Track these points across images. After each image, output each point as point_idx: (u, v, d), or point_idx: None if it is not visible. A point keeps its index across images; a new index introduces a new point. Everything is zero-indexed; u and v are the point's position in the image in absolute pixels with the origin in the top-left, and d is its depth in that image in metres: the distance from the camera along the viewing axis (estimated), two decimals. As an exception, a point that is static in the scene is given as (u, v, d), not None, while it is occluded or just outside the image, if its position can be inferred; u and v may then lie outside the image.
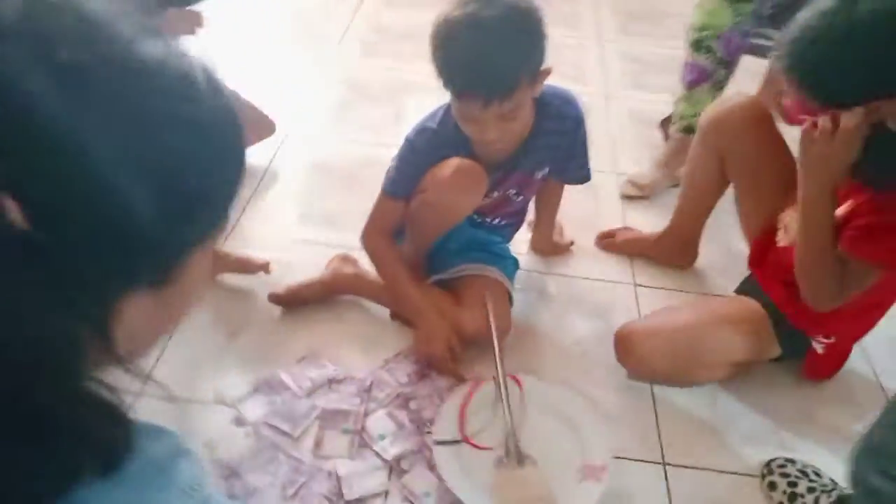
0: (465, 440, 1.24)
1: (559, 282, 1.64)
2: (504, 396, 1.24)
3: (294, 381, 1.34)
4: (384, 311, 1.51)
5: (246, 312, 1.49)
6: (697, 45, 1.84)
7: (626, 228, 1.75)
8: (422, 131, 1.38)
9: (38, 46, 0.36)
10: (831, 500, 1.17)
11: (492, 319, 1.35)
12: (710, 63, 1.84)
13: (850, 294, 1.17)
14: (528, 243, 1.70)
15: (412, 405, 1.31)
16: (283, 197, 1.82)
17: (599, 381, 1.41)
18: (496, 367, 1.28)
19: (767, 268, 1.37)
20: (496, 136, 1.27)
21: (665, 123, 2.11)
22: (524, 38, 1.20)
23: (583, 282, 1.64)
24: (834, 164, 1.08)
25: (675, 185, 1.83)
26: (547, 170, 1.44)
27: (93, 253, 0.37)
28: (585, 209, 1.82)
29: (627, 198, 1.91)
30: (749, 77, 1.89)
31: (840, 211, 1.18)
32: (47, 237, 0.35)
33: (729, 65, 1.84)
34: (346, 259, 1.56)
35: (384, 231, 1.44)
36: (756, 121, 1.41)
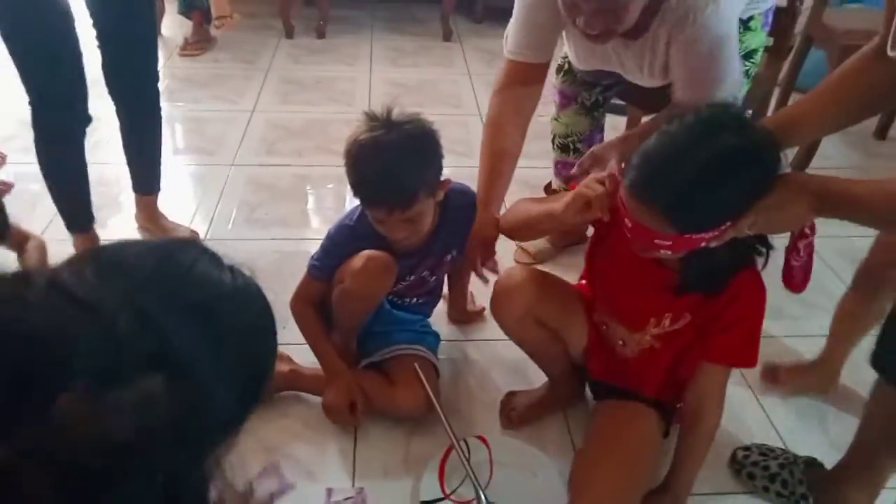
0: (447, 497, 1.39)
1: (478, 346, 1.80)
2: (460, 454, 1.40)
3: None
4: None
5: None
6: (565, 148, 2.07)
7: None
8: (341, 228, 1.58)
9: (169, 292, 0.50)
10: (801, 468, 1.41)
11: (429, 388, 1.50)
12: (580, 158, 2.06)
13: None
14: (445, 316, 1.86)
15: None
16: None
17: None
18: (447, 430, 1.43)
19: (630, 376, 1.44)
20: (403, 235, 1.45)
21: (548, 187, 2.35)
22: (420, 159, 1.39)
23: (497, 343, 1.80)
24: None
25: (569, 245, 2.04)
26: (455, 251, 1.62)
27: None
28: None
29: (519, 262, 2.06)
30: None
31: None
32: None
33: None
34: (279, 357, 1.66)
35: (309, 302, 1.61)
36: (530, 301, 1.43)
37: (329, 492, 1.42)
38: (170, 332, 0.48)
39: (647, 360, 1.39)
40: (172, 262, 0.54)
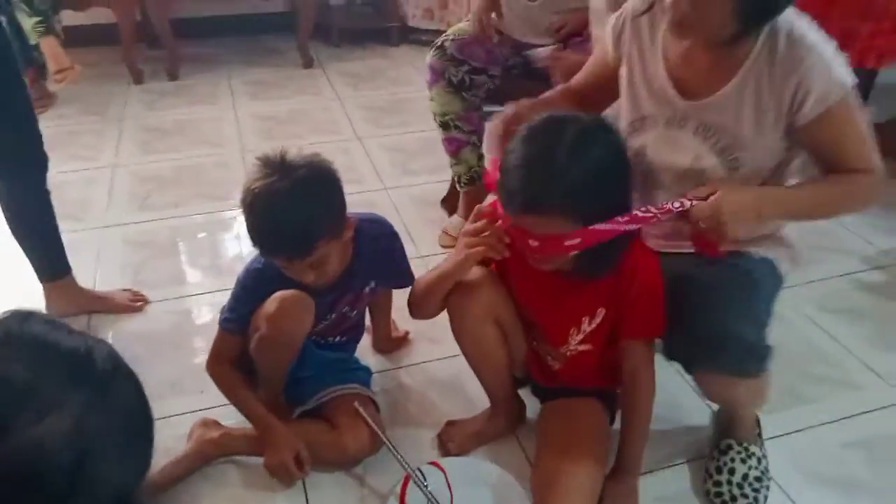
0: None
1: (410, 371, 1.77)
2: (418, 483, 1.36)
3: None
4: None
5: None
6: (446, 126, 2.15)
7: None
8: (249, 272, 1.50)
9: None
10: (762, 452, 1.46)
11: (373, 425, 1.45)
12: (462, 134, 2.13)
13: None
14: (370, 348, 1.80)
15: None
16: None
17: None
18: (399, 462, 1.38)
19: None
20: (313, 278, 1.40)
21: (445, 202, 2.37)
22: (317, 205, 1.33)
23: (429, 365, 1.78)
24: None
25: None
26: (373, 283, 1.57)
27: None
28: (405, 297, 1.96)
29: (445, 247, 2.17)
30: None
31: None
32: None
33: (478, 132, 2.14)
34: (205, 423, 1.55)
35: (226, 360, 1.52)
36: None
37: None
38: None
39: (579, 361, 1.42)
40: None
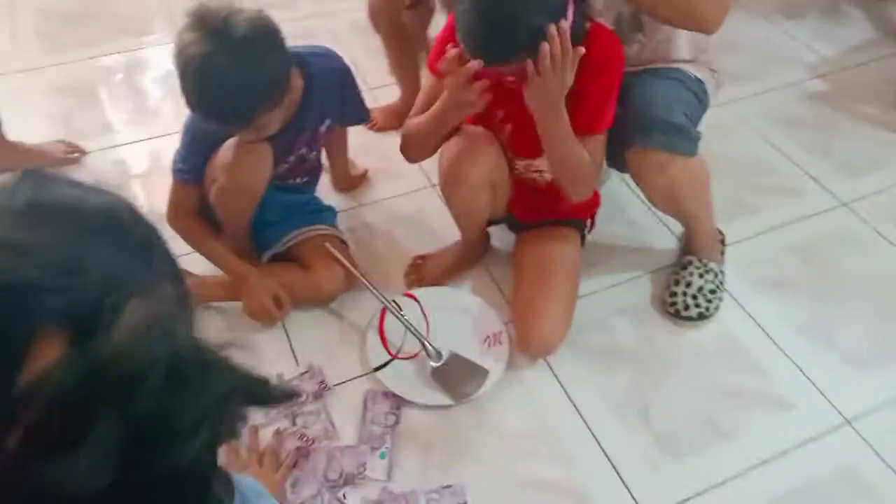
0: (395, 356, 1.42)
1: (373, 208, 1.77)
2: (394, 312, 1.42)
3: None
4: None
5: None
6: None
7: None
8: (195, 120, 1.39)
9: None
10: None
11: (345, 261, 1.47)
12: None
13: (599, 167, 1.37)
14: (331, 187, 1.78)
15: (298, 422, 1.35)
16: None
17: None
18: (375, 295, 1.43)
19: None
20: (261, 134, 1.34)
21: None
22: (257, 75, 1.23)
23: (391, 201, 1.79)
24: (559, 88, 1.17)
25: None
26: (329, 121, 1.52)
27: None
28: (363, 134, 1.90)
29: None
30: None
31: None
32: None
33: None
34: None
35: (187, 212, 1.48)
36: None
37: (279, 377, 1.40)
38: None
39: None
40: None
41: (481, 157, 1.38)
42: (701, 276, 1.53)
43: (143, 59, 2.25)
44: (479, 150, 1.38)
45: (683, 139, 1.34)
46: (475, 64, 1.14)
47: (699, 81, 1.41)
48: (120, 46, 2.29)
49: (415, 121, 1.36)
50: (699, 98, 1.41)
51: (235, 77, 1.21)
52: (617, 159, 1.42)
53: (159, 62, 2.20)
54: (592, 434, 1.34)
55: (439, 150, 1.41)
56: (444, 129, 1.34)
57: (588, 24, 1.24)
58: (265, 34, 1.25)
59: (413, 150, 1.41)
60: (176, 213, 1.48)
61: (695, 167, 1.39)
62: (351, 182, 1.80)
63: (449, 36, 1.25)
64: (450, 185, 1.44)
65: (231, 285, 1.50)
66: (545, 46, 1.10)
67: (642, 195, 1.50)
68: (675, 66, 1.40)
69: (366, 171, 1.83)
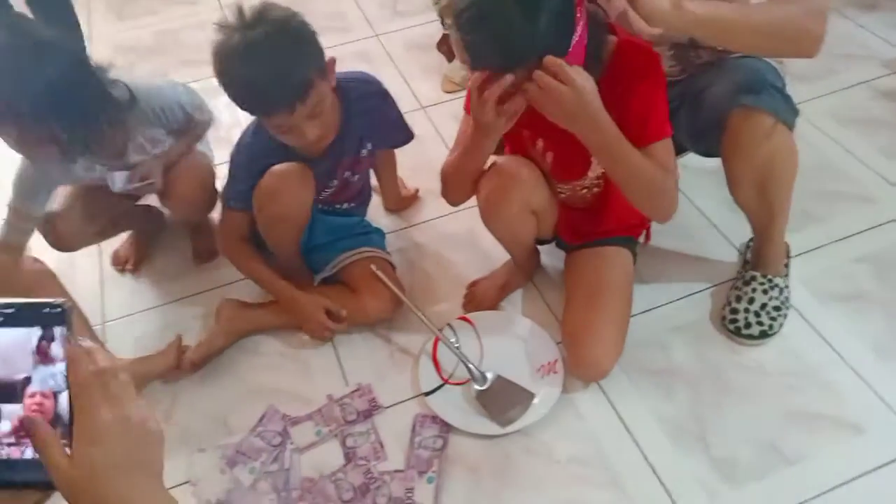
0: (446, 381, 1.42)
1: (422, 229, 1.78)
2: (444, 340, 1.42)
3: (265, 441, 1.38)
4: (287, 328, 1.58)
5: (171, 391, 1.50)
6: None
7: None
8: (240, 148, 1.49)
9: None
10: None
11: (392, 286, 1.48)
12: None
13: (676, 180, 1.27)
14: (381, 209, 1.80)
15: (349, 442, 1.37)
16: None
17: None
18: (419, 317, 1.43)
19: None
20: (315, 133, 1.35)
21: (442, 43, 2.25)
22: (296, 44, 1.27)
23: (440, 220, 1.78)
24: (572, 94, 1.08)
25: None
26: (370, 145, 1.53)
27: None
28: (415, 153, 1.90)
29: (449, 92, 2.11)
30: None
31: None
32: None
33: None
34: (231, 302, 1.58)
35: (237, 238, 1.54)
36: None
37: (329, 397, 1.43)
38: None
39: (606, 196, 1.41)
40: None
41: (515, 190, 1.35)
42: (765, 292, 1.46)
43: (213, 88, 2.33)
44: (514, 183, 1.35)
45: (790, 107, 1.29)
46: (499, 84, 1.09)
47: (775, 67, 1.34)
48: (190, 76, 2.38)
49: (449, 159, 1.35)
50: (783, 80, 1.34)
51: (279, 47, 1.25)
52: (705, 137, 1.35)
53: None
54: (646, 459, 1.29)
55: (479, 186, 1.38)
56: (475, 161, 1.30)
57: (612, 38, 1.20)
58: (287, 12, 1.30)
59: (451, 189, 1.38)
60: (227, 239, 1.54)
61: (793, 146, 1.33)
62: (402, 203, 1.81)
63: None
64: (489, 220, 1.43)
65: (283, 311, 1.54)
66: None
67: (700, 205, 1.44)
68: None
69: (416, 192, 1.83)
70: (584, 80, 1.08)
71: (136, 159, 1.50)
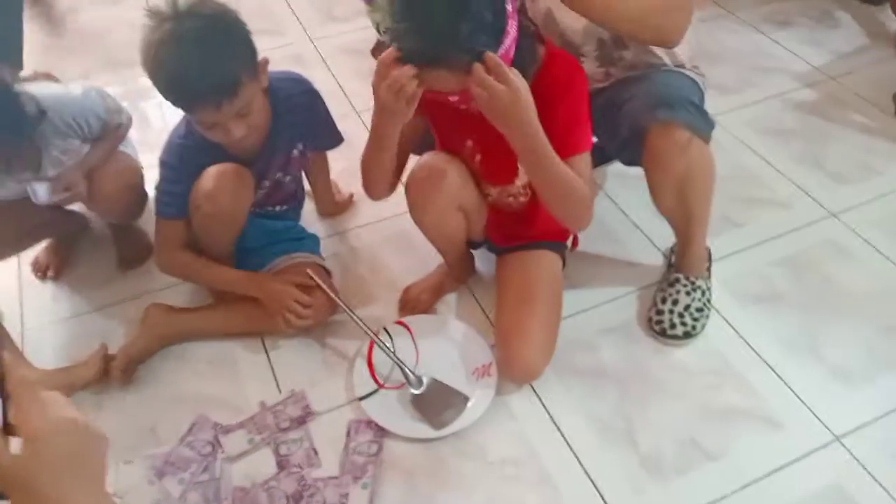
0: (381, 386, 1.42)
1: (358, 233, 1.78)
2: (379, 343, 1.41)
3: (195, 451, 1.34)
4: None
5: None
6: None
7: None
8: (171, 149, 1.45)
9: None
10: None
11: (328, 291, 1.46)
12: None
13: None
14: (315, 214, 1.79)
15: (282, 449, 1.34)
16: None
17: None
18: (359, 326, 1.42)
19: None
20: (241, 132, 1.33)
21: (376, 49, 2.25)
22: (229, 39, 1.27)
23: (376, 225, 1.79)
24: (509, 95, 1.09)
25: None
26: (301, 145, 1.52)
27: None
28: (349, 158, 1.88)
29: None
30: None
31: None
32: None
33: None
34: (158, 307, 1.54)
35: (180, 249, 1.49)
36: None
37: (262, 404, 1.41)
38: None
39: (534, 205, 1.43)
40: None
41: (443, 185, 1.37)
42: (688, 293, 1.52)
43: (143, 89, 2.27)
44: (441, 178, 1.36)
45: (705, 120, 1.35)
46: (401, 71, 1.10)
47: (695, 81, 1.41)
48: (118, 78, 2.30)
49: (364, 149, 1.33)
50: (702, 93, 1.42)
51: (213, 35, 1.24)
52: (627, 148, 1.40)
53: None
54: (577, 458, 1.32)
55: (405, 180, 1.40)
56: (384, 149, 1.27)
57: (542, 49, 1.23)
58: (219, 6, 1.28)
59: (368, 181, 1.36)
60: (167, 253, 1.49)
61: (710, 157, 1.39)
62: (336, 207, 1.81)
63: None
64: (417, 212, 1.43)
65: (209, 314, 1.53)
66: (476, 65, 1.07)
67: (627, 210, 1.48)
68: (668, 69, 1.41)
69: (351, 196, 1.83)
70: (520, 82, 1.10)
71: (54, 173, 1.44)
